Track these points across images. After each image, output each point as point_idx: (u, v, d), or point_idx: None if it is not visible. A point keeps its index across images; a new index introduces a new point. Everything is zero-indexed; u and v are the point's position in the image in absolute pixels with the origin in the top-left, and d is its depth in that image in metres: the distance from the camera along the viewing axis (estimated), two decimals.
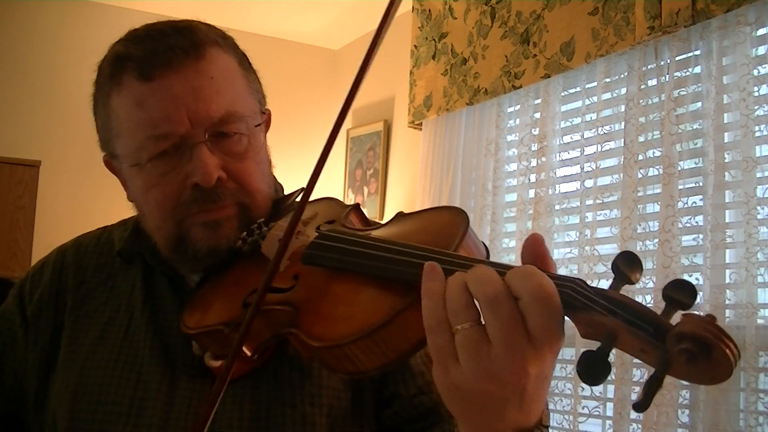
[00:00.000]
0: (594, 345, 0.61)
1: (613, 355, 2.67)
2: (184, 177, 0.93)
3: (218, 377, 0.74)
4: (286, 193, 1.07)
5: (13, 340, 1.04)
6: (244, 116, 0.96)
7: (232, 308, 0.87)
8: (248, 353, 0.84)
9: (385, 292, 0.71)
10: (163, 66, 0.91)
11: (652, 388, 0.57)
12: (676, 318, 0.59)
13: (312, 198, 0.80)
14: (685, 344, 0.56)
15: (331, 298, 0.78)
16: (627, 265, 0.62)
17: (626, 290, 0.64)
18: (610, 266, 0.64)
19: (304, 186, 1.04)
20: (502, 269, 0.64)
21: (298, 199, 1.03)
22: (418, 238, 0.77)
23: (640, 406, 0.58)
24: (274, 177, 1.06)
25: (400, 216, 0.88)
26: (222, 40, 0.99)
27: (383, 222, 0.90)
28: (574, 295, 0.61)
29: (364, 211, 1.00)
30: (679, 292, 0.59)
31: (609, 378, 2.54)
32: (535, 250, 0.67)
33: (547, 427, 0.71)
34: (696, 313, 0.58)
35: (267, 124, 1.04)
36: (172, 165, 0.93)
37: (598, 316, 0.60)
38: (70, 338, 1.00)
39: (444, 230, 0.76)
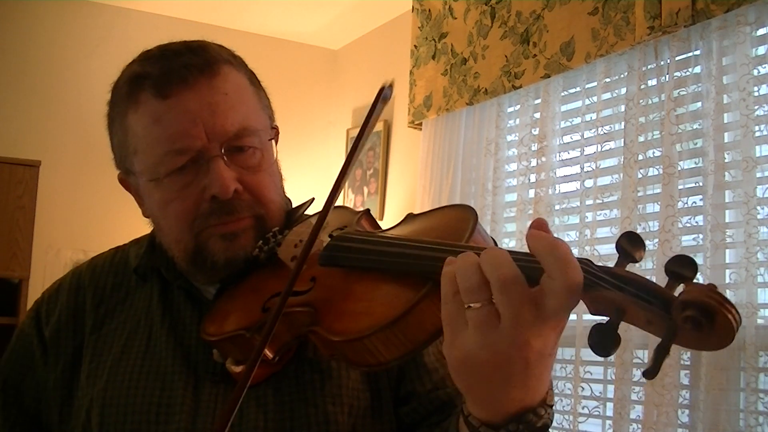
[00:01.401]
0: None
1: (613, 355, 2.66)
2: (201, 190, 0.96)
3: (239, 379, 0.77)
4: (294, 205, 1.10)
5: (31, 362, 1.07)
6: (257, 131, 0.99)
7: (252, 314, 0.90)
8: (270, 355, 0.88)
9: (401, 286, 0.75)
10: (180, 83, 0.94)
11: (659, 356, 0.60)
12: (679, 292, 0.62)
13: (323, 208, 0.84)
14: (690, 311, 0.59)
15: (350, 296, 0.81)
16: (630, 244, 0.66)
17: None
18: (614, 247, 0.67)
19: (313, 197, 1.08)
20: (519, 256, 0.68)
21: (308, 210, 1.07)
22: (430, 234, 0.81)
23: (650, 373, 0.61)
24: (284, 190, 1.09)
25: (410, 217, 0.92)
26: (233, 58, 1.03)
27: (394, 224, 0.94)
28: (585, 275, 0.64)
29: None
30: (681, 266, 0.63)
31: (609, 378, 2.56)
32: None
33: (551, 406, 0.73)
34: (698, 282, 0.62)
35: (276, 138, 1.07)
36: (190, 179, 0.96)
37: (607, 292, 0.63)
38: (93, 356, 1.03)
39: (453, 225, 0.80)
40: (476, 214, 0.80)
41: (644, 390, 2.40)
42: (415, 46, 3.74)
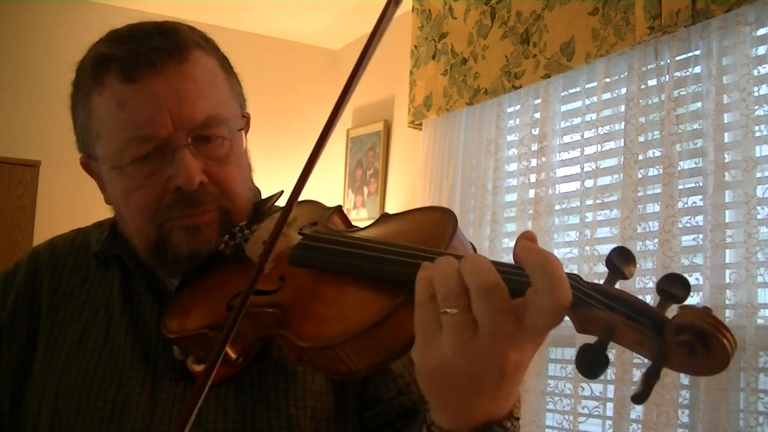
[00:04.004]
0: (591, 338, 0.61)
1: (613, 355, 2.66)
2: (165, 180, 0.92)
3: (199, 379, 0.72)
4: (264, 197, 1.06)
5: None
6: (226, 119, 0.95)
7: (217, 312, 0.86)
8: (233, 356, 0.84)
9: (376, 292, 0.71)
10: (147, 67, 0.90)
11: (650, 380, 0.58)
12: (671, 312, 0.60)
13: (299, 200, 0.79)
14: (684, 336, 0.56)
15: (321, 299, 0.77)
16: (621, 260, 0.63)
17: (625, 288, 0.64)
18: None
19: (283, 190, 1.02)
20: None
21: (278, 202, 1.02)
22: (407, 237, 0.77)
23: (639, 398, 0.58)
24: (253, 182, 1.05)
25: (385, 217, 0.87)
26: (205, 42, 0.98)
27: (367, 224, 0.90)
28: (573, 293, 0.61)
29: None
30: (674, 286, 0.60)
31: (609, 378, 2.56)
32: None
33: (518, 419, 0.70)
34: (692, 304, 0.59)
35: (247, 127, 1.03)
36: (154, 168, 0.92)
37: (596, 311, 0.60)
38: (47, 343, 0.99)
39: (432, 230, 0.76)
40: (456, 219, 0.76)
41: None
42: (415, 46, 3.75)
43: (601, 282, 0.64)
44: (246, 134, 1.02)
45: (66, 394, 0.93)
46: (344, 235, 0.83)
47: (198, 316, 0.89)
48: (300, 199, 0.96)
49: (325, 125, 0.76)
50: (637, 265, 0.65)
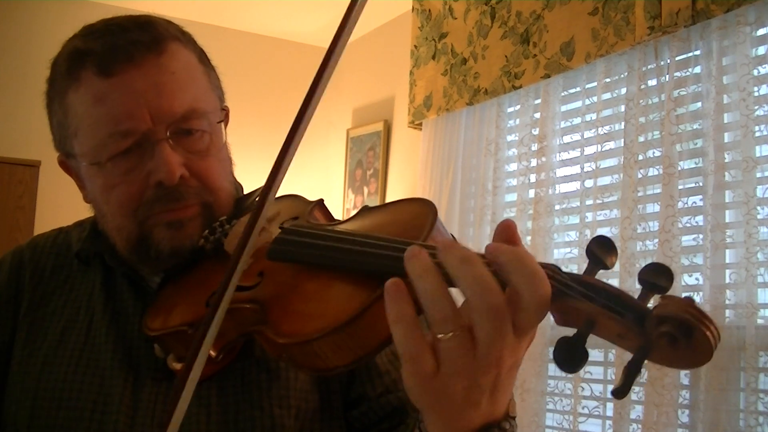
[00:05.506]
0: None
1: (613, 355, 2.64)
2: (146, 175, 0.90)
3: (179, 376, 0.71)
4: (246, 192, 1.05)
5: None
6: (206, 113, 0.94)
7: (196, 308, 0.85)
8: (213, 353, 0.82)
9: (354, 286, 0.69)
10: (124, 61, 0.89)
11: (631, 373, 0.56)
12: (654, 304, 0.58)
13: (276, 195, 0.78)
14: (666, 327, 0.55)
15: (299, 294, 0.76)
16: (602, 250, 0.61)
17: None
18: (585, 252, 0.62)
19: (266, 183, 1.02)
20: (485, 259, 0.61)
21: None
22: (386, 230, 0.76)
23: (619, 392, 0.56)
24: (234, 176, 1.04)
25: (365, 210, 0.86)
26: (181, 35, 0.97)
27: (348, 217, 0.88)
28: (552, 284, 0.59)
29: None
30: (656, 276, 0.58)
31: (609, 378, 2.56)
32: (507, 237, 0.65)
33: (513, 418, 0.68)
34: (675, 295, 0.57)
35: (226, 120, 1.02)
36: (134, 163, 0.90)
37: (575, 302, 0.58)
38: (26, 341, 0.97)
39: (411, 221, 0.75)
40: (435, 209, 0.74)
41: (644, 390, 2.40)
42: (415, 46, 3.74)
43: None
44: (225, 127, 1.00)
45: (45, 393, 0.92)
46: (323, 228, 0.82)
47: (178, 313, 0.88)
48: (283, 193, 0.95)
49: (296, 116, 0.75)
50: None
